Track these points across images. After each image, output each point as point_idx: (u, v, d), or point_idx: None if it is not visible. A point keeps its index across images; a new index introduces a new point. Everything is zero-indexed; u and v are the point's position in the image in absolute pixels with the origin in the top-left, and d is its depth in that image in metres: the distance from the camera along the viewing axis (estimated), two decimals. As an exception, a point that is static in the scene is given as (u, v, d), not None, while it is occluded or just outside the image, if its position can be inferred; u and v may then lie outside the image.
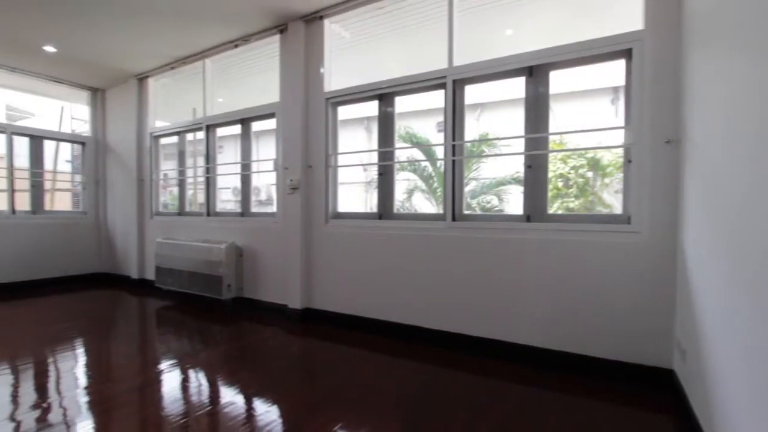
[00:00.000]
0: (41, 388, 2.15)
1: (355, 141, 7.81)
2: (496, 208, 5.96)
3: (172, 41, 3.86)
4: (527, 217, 2.57)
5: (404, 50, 3.56)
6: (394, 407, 1.92)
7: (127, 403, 1.96)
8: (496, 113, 6.78)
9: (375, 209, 3.25)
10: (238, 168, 4.15)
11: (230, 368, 2.41)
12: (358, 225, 3.20)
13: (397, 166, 3.34)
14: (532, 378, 2.25)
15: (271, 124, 3.92)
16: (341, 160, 3.49)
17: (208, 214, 4.27)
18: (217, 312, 3.69)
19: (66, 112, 6.47)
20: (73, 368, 2.46)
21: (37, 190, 5.02)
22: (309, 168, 3.44)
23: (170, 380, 2.24)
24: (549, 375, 2.28)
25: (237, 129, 4.16)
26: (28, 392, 2.10)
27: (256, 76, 4.17)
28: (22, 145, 4.89)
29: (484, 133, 6.18)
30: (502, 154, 5.37)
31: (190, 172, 4.79)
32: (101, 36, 3.76)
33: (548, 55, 2.47)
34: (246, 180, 4.05)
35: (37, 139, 5.01)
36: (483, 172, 6.04)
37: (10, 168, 4.70)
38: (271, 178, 3.81)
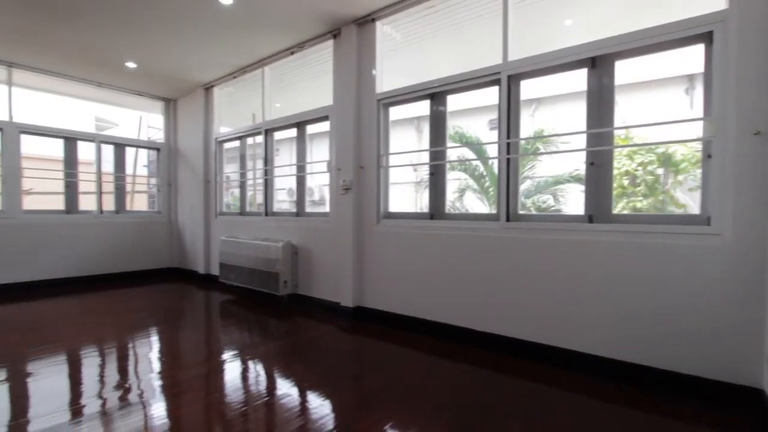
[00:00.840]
0: (123, 370, 2.39)
1: (405, 141, 7.83)
2: (552, 208, 5.67)
3: (235, 51, 4.11)
4: (589, 217, 2.42)
5: (455, 48, 3.51)
6: (444, 409, 1.89)
7: (195, 389, 2.12)
8: (553, 108, 6.46)
9: (425, 209, 3.24)
10: (293, 169, 4.32)
11: (286, 362, 2.51)
12: (409, 225, 3.20)
13: (447, 165, 3.30)
14: (593, 389, 2.11)
15: (324, 126, 4.04)
16: (392, 160, 3.51)
17: (266, 214, 4.49)
18: (274, 307, 3.87)
19: (144, 122, 7.14)
20: (149, 354, 2.70)
21: (119, 192, 5.59)
22: (361, 169, 3.50)
23: (232, 369, 2.38)
24: (613, 387, 2.12)
25: (292, 132, 4.34)
26: (111, 373, 2.35)
27: (309, 81, 4.32)
28: (107, 151, 5.46)
29: (539, 129, 5.91)
30: (560, 151, 5.10)
31: (249, 174, 5.08)
32: (174, 51, 4.11)
33: (614, 44, 2.30)
34: (301, 181, 4.21)
35: (119, 147, 5.58)
36: (538, 170, 5.78)
37: (99, 173, 5.28)
38: (324, 179, 3.93)
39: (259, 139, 4.66)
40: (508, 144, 2.72)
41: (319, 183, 8.07)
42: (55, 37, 3.81)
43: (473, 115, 6.48)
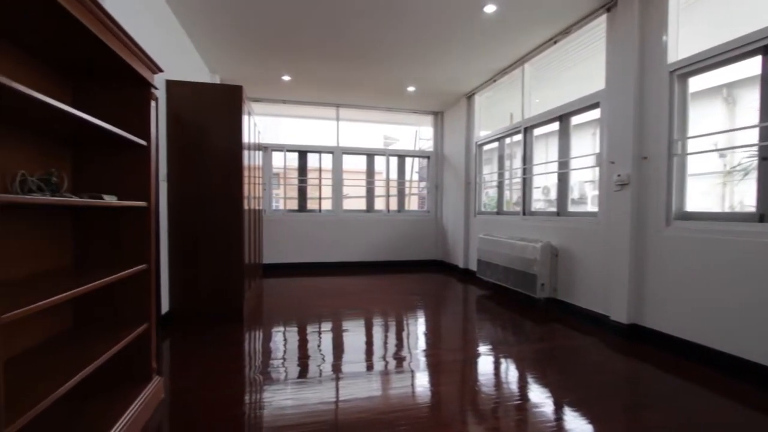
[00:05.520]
0: (399, 341, 2.88)
1: (705, 119, 5.89)
2: None
3: (496, 55, 4.22)
4: None
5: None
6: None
7: (453, 371, 2.30)
8: None
9: (738, 207, 2.32)
10: (550, 167, 4.03)
11: (541, 368, 2.36)
12: (719, 229, 2.38)
13: (796, 144, 2.25)
14: None
15: (587, 116, 3.58)
16: (691, 145, 2.71)
17: (524, 213, 4.39)
18: (529, 308, 3.73)
19: (417, 135, 8.42)
20: (417, 331, 3.14)
21: (400, 195, 6.82)
22: (644, 160, 2.88)
23: (486, 362, 2.45)
24: None
25: (547, 128, 4.06)
26: (391, 341, 2.87)
27: (572, 70, 3.91)
28: (392, 162, 6.75)
29: None
30: None
31: (506, 174, 5.11)
32: (443, 69, 4.63)
33: None
34: (563, 178, 3.87)
35: (401, 158, 6.80)
36: None
37: (387, 180, 6.60)
38: (586, 174, 3.46)
39: (516, 138, 4.61)
40: None
41: (579, 179, 7.23)
42: (365, 79, 5.02)
43: None
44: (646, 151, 2.86)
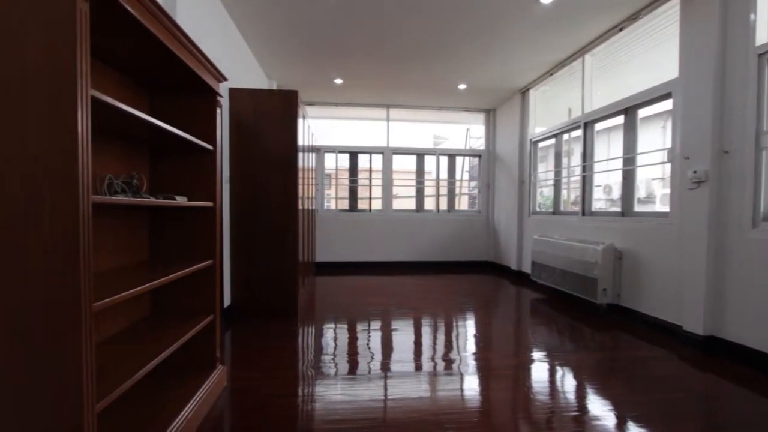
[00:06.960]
0: (448, 343, 2.85)
1: None
2: None
3: (553, 47, 4.02)
4: None
5: None
6: None
7: (504, 377, 2.23)
8: None
9: None
10: (613, 163, 3.76)
11: (602, 379, 2.22)
12: (817, 233, 2.10)
13: None
14: None
15: (657, 108, 3.30)
16: (783, 137, 2.40)
17: (583, 214, 4.14)
18: (588, 314, 3.52)
19: (468, 133, 8.25)
20: (467, 333, 3.08)
21: (450, 194, 6.72)
22: (724, 154, 2.60)
23: (540, 369, 2.35)
24: None
25: (608, 123, 3.78)
26: (440, 343, 2.84)
27: (639, 58, 3.61)
28: (442, 162, 6.67)
29: None
30: None
31: (564, 172, 4.84)
32: (496, 65, 4.50)
33: None
34: (628, 175, 3.60)
35: (451, 157, 6.70)
36: None
37: (437, 179, 6.54)
38: (654, 171, 3.19)
39: (575, 134, 4.35)
40: None
41: (646, 177, 6.68)
42: (416, 79, 5.01)
43: None
44: (728, 145, 2.58)
